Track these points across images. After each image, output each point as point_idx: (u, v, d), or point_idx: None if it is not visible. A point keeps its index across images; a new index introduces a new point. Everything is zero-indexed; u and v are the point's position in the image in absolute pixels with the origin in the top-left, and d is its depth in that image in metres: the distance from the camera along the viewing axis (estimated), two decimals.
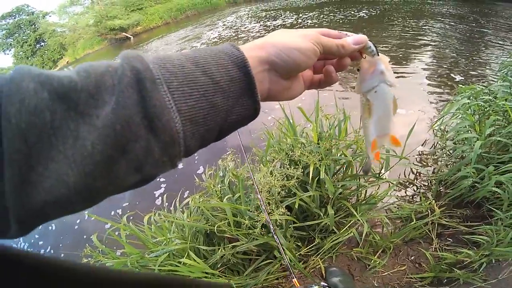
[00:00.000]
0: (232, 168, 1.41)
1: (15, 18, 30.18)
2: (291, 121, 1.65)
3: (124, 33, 23.90)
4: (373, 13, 9.75)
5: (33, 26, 29.97)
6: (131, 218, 1.70)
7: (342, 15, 9.86)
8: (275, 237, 1.15)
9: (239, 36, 9.46)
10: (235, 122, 0.32)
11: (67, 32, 28.15)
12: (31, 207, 0.20)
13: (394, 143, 0.41)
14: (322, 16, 10.12)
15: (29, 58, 29.89)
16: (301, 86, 0.40)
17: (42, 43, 30.09)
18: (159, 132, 0.24)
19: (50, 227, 3.20)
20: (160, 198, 3.01)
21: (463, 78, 4.21)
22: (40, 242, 3.09)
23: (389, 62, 0.40)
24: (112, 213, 2.95)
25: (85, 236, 2.68)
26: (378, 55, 0.40)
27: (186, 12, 25.26)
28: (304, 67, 0.36)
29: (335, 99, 1.76)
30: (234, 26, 11.71)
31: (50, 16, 30.99)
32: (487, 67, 4.59)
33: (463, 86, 2.55)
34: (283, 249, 1.26)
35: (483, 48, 5.68)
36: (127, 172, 0.24)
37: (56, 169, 0.20)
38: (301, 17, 10.36)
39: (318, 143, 1.43)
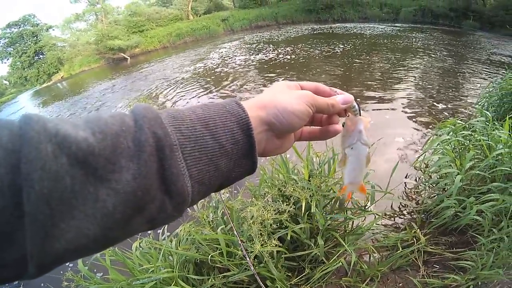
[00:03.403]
0: (225, 200, 1.40)
1: (19, 27, 29.56)
2: (284, 158, 1.69)
3: (122, 54, 23.82)
4: (347, 48, 9.99)
5: (35, 37, 29.40)
6: None
7: (318, 50, 10.06)
8: (251, 266, 1.11)
9: (226, 67, 9.64)
10: (234, 179, 0.35)
11: (67, 48, 27.91)
12: (52, 255, 0.21)
13: (361, 191, 0.46)
14: (298, 51, 10.34)
15: (25, 69, 29.09)
16: (290, 142, 0.42)
17: (41, 56, 29.42)
18: (173, 195, 0.27)
19: None
20: None
21: (445, 110, 4.37)
22: None
23: (370, 122, 0.43)
24: None
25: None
26: (360, 115, 0.43)
27: (184, 38, 25.42)
28: (297, 128, 0.38)
29: None
30: (226, 56, 12.03)
31: (53, 29, 30.77)
32: (468, 98, 4.80)
33: (444, 122, 2.64)
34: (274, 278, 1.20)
35: (464, 79, 5.96)
36: (141, 225, 0.26)
37: (77, 225, 0.21)
38: (280, 52, 10.63)
39: (309, 180, 1.46)
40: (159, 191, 0.26)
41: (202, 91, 7.29)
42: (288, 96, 0.37)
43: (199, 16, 29.15)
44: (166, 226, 1.86)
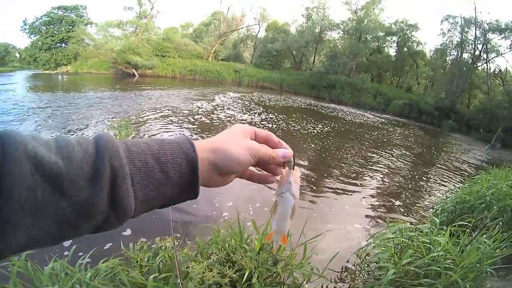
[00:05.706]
0: (169, 248, 1.34)
1: (65, 12, 29.54)
2: (241, 228, 1.70)
3: (134, 70, 23.96)
4: (326, 129, 10.13)
5: (71, 26, 29.15)
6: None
7: (299, 125, 10.10)
8: None
9: (209, 116, 9.49)
10: (177, 201, 0.40)
11: (91, 47, 27.86)
12: (14, 247, 0.27)
13: (282, 241, 0.50)
14: (281, 122, 10.37)
15: (41, 51, 28.41)
16: (231, 179, 0.47)
17: (64, 45, 29.01)
18: (118, 210, 0.32)
19: None
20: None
21: (401, 207, 4.45)
22: None
23: (300, 176, 0.49)
24: None
25: None
26: (294, 169, 0.48)
27: (195, 75, 26.18)
28: (238, 173, 0.45)
29: None
30: (219, 105, 12.14)
31: (91, 26, 30.68)
32: (426, 201, 4.94)
33: (392, 223, 2.76)
34: None
35: (427, 181, 6.19)
36: (88, 229, 0.32)
37: (41, 225, 0.27)
38: (264, 118, 10.62)
39: (259, 253, 1.47)
40: (107, 207, 0.32)
41: (176, 130, 7.16)
42: (237, 146, 0.43)
43: (217, 60, 30.56)
44: (89, 254, 1.71)
